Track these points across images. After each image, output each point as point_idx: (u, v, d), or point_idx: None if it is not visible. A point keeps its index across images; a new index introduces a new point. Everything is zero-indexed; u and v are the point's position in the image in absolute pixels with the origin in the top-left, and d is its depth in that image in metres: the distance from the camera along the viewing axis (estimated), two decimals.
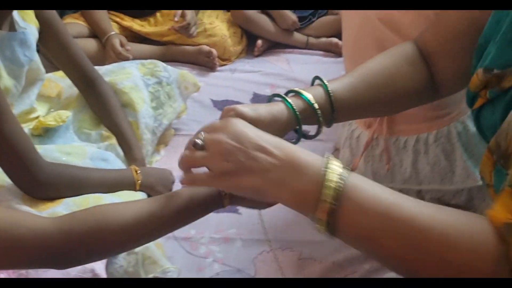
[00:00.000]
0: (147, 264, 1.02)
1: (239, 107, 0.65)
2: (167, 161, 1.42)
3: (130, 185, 1.13)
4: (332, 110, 0.70)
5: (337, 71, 1.86)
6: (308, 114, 0.69)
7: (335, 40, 1.98)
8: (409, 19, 1.01)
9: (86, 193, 1.07)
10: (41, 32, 1.17)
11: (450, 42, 0.73)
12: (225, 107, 0.66)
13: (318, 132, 0.72)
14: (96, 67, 1.33)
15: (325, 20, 2.04)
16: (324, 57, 1.98)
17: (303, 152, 0.55)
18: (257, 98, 1.75)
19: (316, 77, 0.73)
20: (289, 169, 0.54)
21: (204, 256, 1.16)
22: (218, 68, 1.93)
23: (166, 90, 1.40)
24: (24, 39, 1.09)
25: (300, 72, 1.87)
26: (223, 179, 0.56)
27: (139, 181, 1.13)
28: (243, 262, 1.14)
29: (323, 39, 2.01)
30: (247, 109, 0.65)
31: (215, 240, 1.20)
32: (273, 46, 2.04)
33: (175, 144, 1.51)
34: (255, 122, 0.62)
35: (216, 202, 0.65)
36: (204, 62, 1.92)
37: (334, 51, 1.99)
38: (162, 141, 1.48)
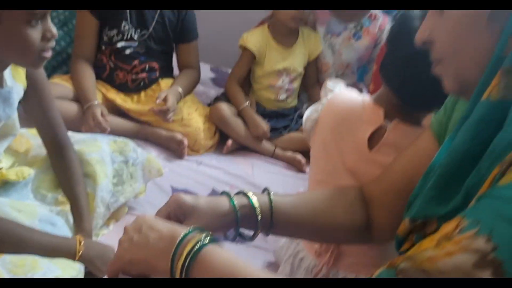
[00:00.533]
0: None
1: (182, 195, 0.75)
2: (113, 236, 1.44)
3: (71, 254, 1.16)
4: (271, 218, 0.77)
5: (295, 186, 1.97)
6: (247, 215, 0.76)
7: (299, 157, 2.09)
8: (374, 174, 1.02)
9: (25, 253, 1.10)
10: (26, 92, 1.23)
11: (389, 194, 0.81)
12: (173, 194, 0.77)
13: (255, 235, 0.79)
14: (70, 134, 1.39)
15: (294, 135, 2.16)
16: (286, 169, 2.08)
17: (184, 229, 0.64)
18: (214, 194, 1.82)
19: (265, 189, 0.81)
20: (167, 239, 0.63)
21: None
22: (186, 157, 2.01)
23: (130, 170, 1.46)
24: (7, 97, 1.15)
25: (261, 179, 1.95)
26: (119, 256, 0.67)
27: (79, 252, 1.16)
28: None
29: (289, 153, 2.12)
30: (189, 197, 0.74)
31: None
32: (242, 149, 2.14)
33: (125, 221, 1.54)
34: (193, 209, 0.73)
35: None
36: (174, 149, 2.00)
37: (296, 166, 2.09)
38: (113, 216, 1.52)
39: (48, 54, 1.07)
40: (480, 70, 0.60)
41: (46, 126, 1.30)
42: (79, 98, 1.91)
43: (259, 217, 0.76)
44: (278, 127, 2.17)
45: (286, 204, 0.80)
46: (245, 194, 0.78)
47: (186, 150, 1.99)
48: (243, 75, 2.18)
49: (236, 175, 1.96)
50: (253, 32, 2.16)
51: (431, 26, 0.67)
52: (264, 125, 2.09)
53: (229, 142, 2.10)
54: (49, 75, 2.03)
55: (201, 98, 2.28)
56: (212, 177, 1.92)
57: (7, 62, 1.11)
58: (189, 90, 2.11)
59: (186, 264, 0.60)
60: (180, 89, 2.02)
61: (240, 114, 2.11)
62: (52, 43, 1.06)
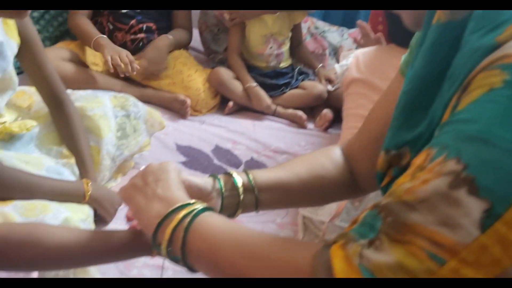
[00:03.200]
0: (78, 272, 1.10)
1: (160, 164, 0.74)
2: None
3: (79, 197, 1.21)
4: (256, 195, 0.77)
5: (296, 141, 2.01)
6: (233, 195, 0.76)
7: (300, 113, 2.12)
8: None
9: (35, 198, 1.15)
10: (20, 49, 1.26)
11: (371, 145, 0.80)
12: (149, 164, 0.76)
13: (235, 214, 0.78)
14: (70, 91, 1.43)
15: (295, 92, 2.20)
16: (287, 126, 2.11)
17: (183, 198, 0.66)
18: (217, 150, 1.87)
19: (245, 170, 0.81)
20: (164, 204, 0.65)
21: None
22: (189, 118, 2.05)
23: (132, 124, 1.51)
24: (1, 51, 1.18)
25: (262, 135, 1.99)
26: (121, 190, 0.72)
27: (88, 193, 1.22)
28: None
29: (290, 110, 2.15)
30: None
31: (148, 266, 1.27)
32: (243, 109, 2.18)
33: (132, 175, 1.59)
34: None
35: (144, 249, 0.72)
36: (177, 109, 2.05)
37: (298, 123, 2.13)
38: (120, 170, 1.57)
39: None
40: None
41: (42, 82, 1.33)
42: (85, 40, 1.97)
43: (241, 197, 0.76)
44: (279, 85, 2.20)
45: (268, 175, 0.80)
46: (229, 174, 0.78)
47: (189, 110, 2.04)
48: (240, 44, 2.20)
49: (238, 132, 2.00)
50: None
51: None
52: (267, 100, 2.13)
53: (230, 103, 2.14)
54: (53, 44, 2.09)
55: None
56: (215, 134, 1.96)
57: None
58: (179, 42, 2.16)
59: (182, 230, 0.60)
60: (170, 36, 2.08)
61: (245, 90, 2.14)
62: None
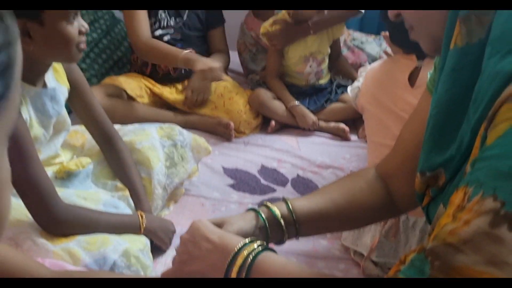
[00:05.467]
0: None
1: (204, 221, 0.77)
2: (174, 216, 1.56)
3: (135, 229, 1.27)
4: (295, 224, 0.80)
5: (340, 154, 2.02)
6: (274, 226, 0.80)
7: (342, 125, 2.14)
8: None
9: (96, 232, 1.22)
10: (70, 93, 1.35)
11: (406, 164, 0.81)
12: (193, 221, 0.78)
13: (281, 242, 0.82)
14: (118, 127, 1.51)
15: (335, 106, 2.22)
16: (331, 140, 2.13)
17: (234, 238, 0.70)
18: (264, 169, 1.90)
19: (283, 198, 0.84)
20: (220, 251, 0.69)
21: None
22: (233, 140, 2.10)
23: (180, 152, 1.56)
24: (54, 95, 1.27)
25: (306, 151, 2.02)
26: (178, 268, 0.74)
27: (144, 225, 1.28)
28: None
29: (332, 124, 2.17)
30: (212, 223, 0.78)
31: None
32: (286, 126, 2.21)
33: (183, 202, 1.66)
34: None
35: None
36: (222, 133, 2.10)
37: (341, 136, 2.14)
38: (172, 198, 1.63)
39: (84, 46, 1.20)
40: (445, 27, 0.65)
41: (92, 122, 1.41)
42: (168, 60, 2.03)
43: (284, 228, 0.79)
44: (319, 102, 2.22)
45: (307, 205, 0.82)
46: (267, 207, 0.81)
47: (233, 132, 2.08)
48: (279, 66, 2.23)
49: (283, 150, 2.03)
50: (274, 21, 2.16)
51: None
52: (312, 116, 2.15)
53: (273, 122, 2.18)
54: (99, 80, 2.20)
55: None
56: (260, 154, 2.00)
57: (49, 62, 1.23)
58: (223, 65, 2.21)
59: (243, 272, 0.64)
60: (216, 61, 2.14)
61: (288, 109, 2.17)
62: (85, 37, 1.20)
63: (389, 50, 2.34)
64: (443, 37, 0.65)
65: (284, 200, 0.82)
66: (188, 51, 1.99)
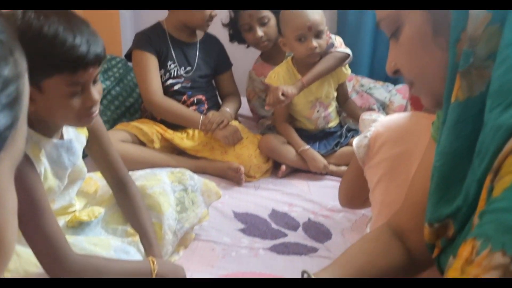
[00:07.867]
0: None
1: None
2: (184, 261, 1.55)
3: (147, 275, 1.26)
4: None
5: None
6: None
7: None
8: None
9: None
10: (88, 140, 1.37)
11: (417, 216, 0.80)
12: None
13: None
14: (130, 172, 1.52)
15: (346, 149, 2.22)
16: None
17: None
18: (274, 214, 1.89)
19: (303, 271, 0.82)
20: None
21: None
22: (243, 184, 2.11)
23: (190, 197, 1.57)
24: (70, 147, 1.28)
25: (317, 194, 2.02)
26: None
27: (155, 271, 1.27)
28: None
29: (343, 167, 2.17)
30: None
31: None
32: (296, 170, 2.22)
33: (193, 247, 1.65)
34: None
35: None
36: (232, 177, 2.11)
37: None
38: (182, 243, 1.62)
39: (93, 115, 1.15)
40: (445, 82, 0.65)
41: (108, 167, 1.43)
42: (188, 121, 2.16)
43: None
44: (329, 145, 2.24)
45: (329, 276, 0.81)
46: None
47: (243, 177, 2.09)
48: (287, 112, 2.26)
49: (294, 194, 2.03)
50: (278, 70, 2.21)
51: (394, 56, 0.73)
52: (322, 160, 2.16)
53: (283, 167, 2.19)
54: (112, 126, 2.23)
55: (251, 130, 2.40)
56: (270, 198, 2.00)
57: (59, 123, 1.23)
58: (235, 110, 2.27)
59: None
60: (227, 109, 2.20)
61: (299, 154, 2.18)
62: (95, 108, 1.15)
63: (397, 100, 2.37)
64: (443, 92, 0.66)
65: (306, 273, 0.80)
66: (205, 113, 2.10)
